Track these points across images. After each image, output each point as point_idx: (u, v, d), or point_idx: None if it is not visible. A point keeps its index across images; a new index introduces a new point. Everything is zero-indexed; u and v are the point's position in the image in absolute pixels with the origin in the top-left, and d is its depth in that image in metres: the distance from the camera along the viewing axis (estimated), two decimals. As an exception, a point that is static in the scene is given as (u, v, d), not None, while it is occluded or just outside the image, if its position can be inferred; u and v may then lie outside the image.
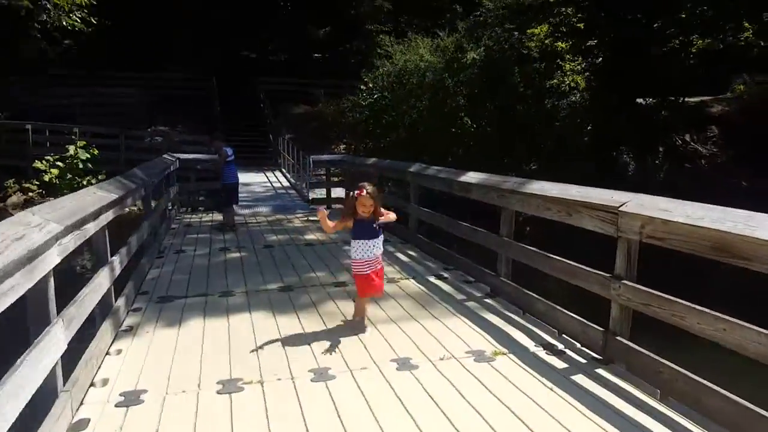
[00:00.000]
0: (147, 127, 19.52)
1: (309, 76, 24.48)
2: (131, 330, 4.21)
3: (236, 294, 5.16)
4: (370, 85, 18.06)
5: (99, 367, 3.47)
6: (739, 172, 15.22)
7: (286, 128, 18.01)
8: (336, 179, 12.39)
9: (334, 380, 3.27)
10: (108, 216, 4.24)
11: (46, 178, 14.15)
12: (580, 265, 3.85)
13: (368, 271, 4.04)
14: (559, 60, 15.77)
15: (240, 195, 11.44)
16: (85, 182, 14.26)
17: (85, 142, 14.65)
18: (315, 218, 10.04)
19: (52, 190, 14.51)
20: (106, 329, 3.80)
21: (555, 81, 15.88)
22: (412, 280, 5.56)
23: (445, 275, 5.76)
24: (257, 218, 10.10)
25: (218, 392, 3.15)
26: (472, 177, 5.60)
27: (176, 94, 21.78)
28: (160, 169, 8.09)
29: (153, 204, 7.48)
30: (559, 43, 15.69)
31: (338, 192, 11.99)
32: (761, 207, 2.97)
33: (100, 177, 14.69)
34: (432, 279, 5.65)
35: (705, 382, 2.78)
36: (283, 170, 16.16)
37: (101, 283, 3.80)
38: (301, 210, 11.12)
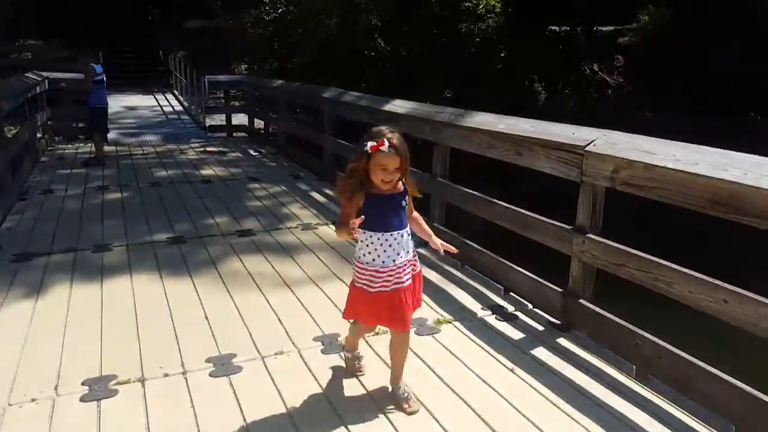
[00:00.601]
0: (14, 40, 16.78)
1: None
2: (-34, 304, 3.22)
3: (114, 249, 4.20)
4: (271, -1, 16.41)
5: None
6: (642, 104, 15.50)
7: (179, 45, 16.07)
8: (237, 103, 11.16)
9: (239, 374, 2.54)
10: None
11: None
12: (533, 214, 3.29)
13: (391, 287, 2.21)
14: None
15: (126, 121, 10.05)
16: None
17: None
18: (213, 149, 8.96)
19: None
20: None
21: (471, 2, 15.12)
22: (331, 226, 4.82)
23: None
24: (144, 149, 8.81)
25: (82, 399, 2.33)
26: (399, 106, 4.84)
27: (53, 2, 18.81)
28: (19, 91, 6.62)
29: (9, 133, 6.14)
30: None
31: (240, 119, 10.82)
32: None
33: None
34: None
35: (697, 361, 2.32)
36: (176, 92, 14.48)
37: None
38: (196, 139, 9.90)
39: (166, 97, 13.98)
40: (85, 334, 2.89)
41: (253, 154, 8.65)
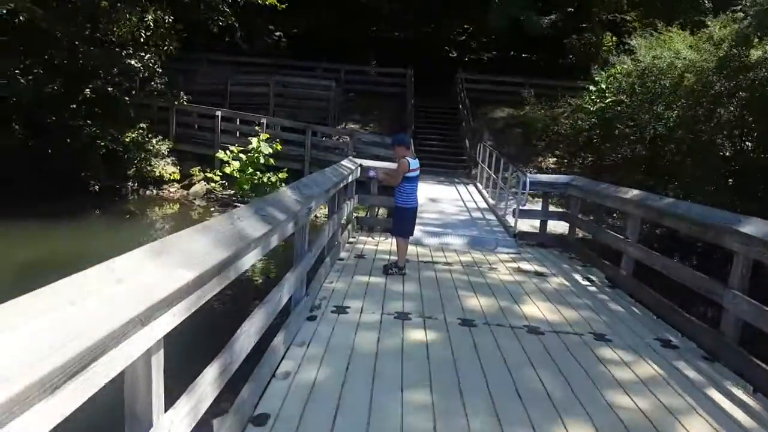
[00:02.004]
0: (338, 123, 18.19)
1: (515, 73, 21.50)
2: None
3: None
4: (603, 86, 14.55)
5: None
6: None
7: (482, 134, 15.31)
8: (557, 209, 9.34)
9: None
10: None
11: (227, 170, 13.16)
12: None
13: None
14: None
15: (428, 216, 9.01)
16: (265, 179, 13.02)
17: (268, 135, 13.46)
18: (528, 266, 7.19)
19: (233, 182, 13.54)
20: None
21: None
22: None
23: None
24: (446, 255, 7.49)
25: None
26: None
27: (370, 89, 20.33)
28: (331, 185, 5.83)
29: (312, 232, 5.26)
30: None
31: (559, 227, 8.98)
32: None
33: (279, 175, 13.40)
34: None
35: None
36: (479, 185, 13.40)
37: None
38: (504, 248, 8.28)
39: (468, 190, 12.99)
40: None
41: (583, 282, 6.61)
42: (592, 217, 9.53)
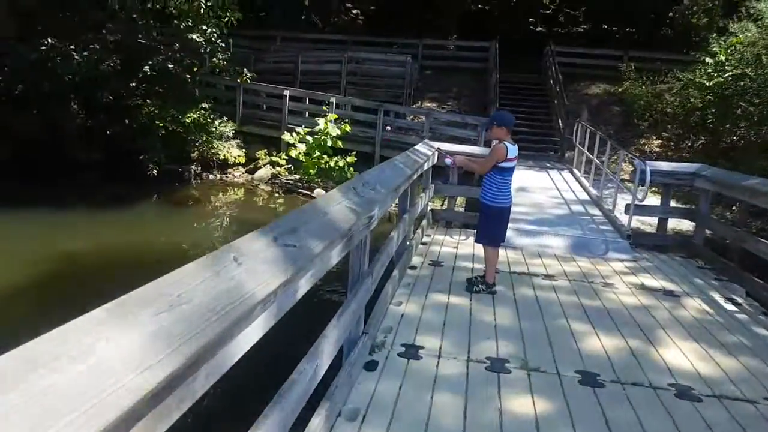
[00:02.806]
0: (414, 101, 16.82)
1: (613, 46, 19.27)
2: None
3: None
4: (722, 58, 12.35)
5: None
6: None
7: (577, 112, 13.44)
8: (680, 204, 7.63)
9: None
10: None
11: (293, 153, 12.16)
12: None
13: None
14: None
15: (520, 209, 7.63)
16: (332, 163, 11.92)
17: (336, 116, 12.31)
18: (653, 281, 5.66)
19: (299, 166, 12.56)
20: None
21: None
22: None
23: None
24: (546, 264, 6.05)
25: None
26: None
27: (450, 65, 18.77)
28: (403, 179, 4.53)
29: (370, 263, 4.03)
30: None
31: (682, 224, 7.30)
32: None
33: (348, 159, 12.26)
34: None
35: None
36: (576, 172, 11.67)
37: None
38: (616, 253, 6.73)
39: (563, 177, 11.28)
40: None
41: (727, 306, 5.04)
42: (728, 215, 7.79)
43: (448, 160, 5.43)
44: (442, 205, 8.70)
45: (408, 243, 5.46)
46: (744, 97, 11.87)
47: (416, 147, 6.44)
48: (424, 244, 6.56)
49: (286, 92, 13.62)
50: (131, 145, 11.39)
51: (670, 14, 19.54)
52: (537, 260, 6.17)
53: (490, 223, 4.84)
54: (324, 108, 13.14)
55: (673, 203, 8.05)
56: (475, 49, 19.08)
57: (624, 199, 8.12)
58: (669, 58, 17.60)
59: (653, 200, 8.36)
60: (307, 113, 13.86)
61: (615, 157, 14.11)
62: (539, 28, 24.53)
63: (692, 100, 13.31)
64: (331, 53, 16.26)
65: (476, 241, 5.04)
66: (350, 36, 20.01)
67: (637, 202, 7.19)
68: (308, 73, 15.76)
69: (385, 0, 21.38)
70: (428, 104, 17.12)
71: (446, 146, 7.82)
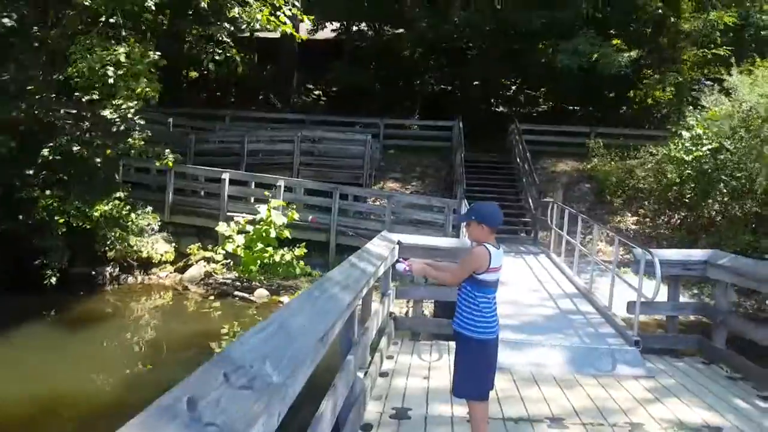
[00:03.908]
0: (375, 183, 15.62)
1: (577, 123, 18.77)
2: None
3: None
4: (698, 131, 11.62)
5: None
6: None
7: (558, 191, 12.38)
8: (686, 296, 6.29)
9: None
10: None
11: (228, 247, 10.56)
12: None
13: None
14: None
15: (500, 309, 6.04)
16: (277, 257, 10.33)
17: (283, 202, 10.88)
18: (692, 418, 4.17)
19: (240, 262, 10.90)
20: None
21: None
22: None
23: None
24: (545, 391, 4.54)
25: None
26: None
27: (412, 144, 17.84)
28: (344, 306, 2.98)
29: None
30: None
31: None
32: None
33: (297, 251, 10.73)
34: None
35: None
36: (553, 256, 10.37)
37: None
38: (627, 366, 5.28)
39: (541, 263, 9.92)
40: None
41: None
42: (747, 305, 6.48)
43: (401, 266, 3.80)
44: (406, 309, 7.19)
45: (359, 388, 3.85)
46: (724, 170, 11.06)
47: (369, 246, 4.98)
48: (383, 375, 4.96)
49: (225, 176, 12.14)
50: (28, 246, 9.46)
51: (630, 93, 19.39)
52: (534, 389, 4.65)
53: (472, 364, 3.31)
54: (266, 193, 11.67)
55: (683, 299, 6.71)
56: (439, 128, 18.30)
57: (619, 291, 6.72)
58: (637, 134, 17.14)
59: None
60: (253, 199, 12.40)
61: (591, 238, 13.02)
62: (501, 109, 24.33)
63: (669, 175, 12.46)
64: (284, 132, 15.05)
65: (455, 393, 3.47)
66: (309, 116, 19.07)
67: (643, 299, 5.82)
68: (257, 153, 14.44)
69: (348, 82, 20.82)
70: (391, 185, 15.95)
71: (409, 239, 6.41)
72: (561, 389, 4.68)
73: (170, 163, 11.53)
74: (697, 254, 6.19)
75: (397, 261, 3.91)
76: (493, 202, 4.12)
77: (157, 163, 11.70)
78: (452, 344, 6.12)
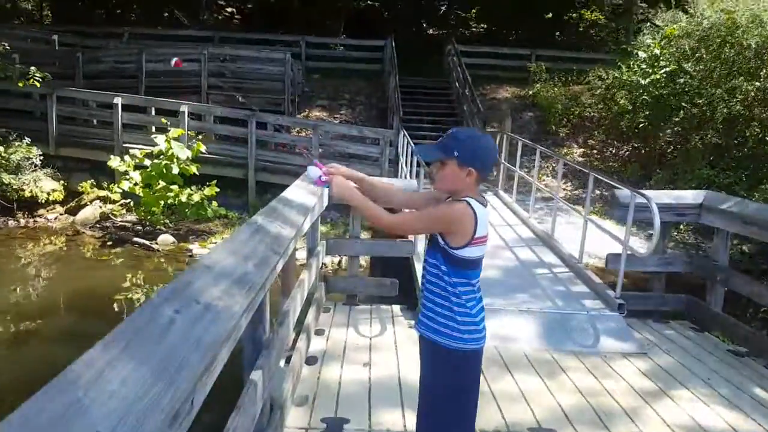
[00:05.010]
0: (299, 111, 13.89)
1: (518, 45, 17.53)
2: None
3: None
4: (656, 52, 10.61)
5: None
6: None
7: (507, 120, 11.18)
8: (671, 247, 5.34)
9: None
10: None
11: (125, 185, 8.77)
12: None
13: None
14: None
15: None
16: (183, 197, 8.66)
17: (182, 131, 9.09)
18: (717, 424, 3.15)
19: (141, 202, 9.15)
20: None
21: None
22: None
23: None
24: (519, 381, 3.47)
25: None
26: None
27: (338, 67, 16.05)
28: (226, 333, 1.62)
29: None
30: None
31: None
32: None
33: (207, 190, 9.08)
34: None
35: None
36: (504, 196, 9.23)
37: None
38: (613, 340, 4.28)
39: (491, 204, 8.81)
40: None
41: None
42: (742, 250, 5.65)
43: (315, 171, 2.22)
44: (339, 266, 5.89)
45: (274, 396, 2.53)
46: (684, 96, 10.19)
47: (288, 193, 3.53)
48: (311, 362, 3.68)
49: (117, 100, 10.08)
50: None
51: (569, 14, 18.25)
52: (506, 380, 3.55)
53: (453, 394, 2.05)
54: (163, 120, 9.78)
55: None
56: (368, 48, 16.56)
57: (578, 237, 5.68)
58: (578, 57, 16.16)
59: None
60: (154, 129, 10.44)
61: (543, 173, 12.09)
62: (431, 31, 22.68)
63: (620, 101, 11.51)
64: (190, 50, 12.86)
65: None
66: (219, 32, 16.74)
67: (631, 252, 4.78)
68: (158, 75, 12.27)
69: (263, -3, 18.55)
70: (317, 113, 14.27)
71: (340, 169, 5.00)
72: (540, 378, 3.59)
73: (37, 83, 9.37)
74: (688, 196, 5.17)
75: (312, 164, 2.22)
76: (484, 131, 2.76)
77: (20, 84, 9.51)
78: (396, 310, 5.03)
